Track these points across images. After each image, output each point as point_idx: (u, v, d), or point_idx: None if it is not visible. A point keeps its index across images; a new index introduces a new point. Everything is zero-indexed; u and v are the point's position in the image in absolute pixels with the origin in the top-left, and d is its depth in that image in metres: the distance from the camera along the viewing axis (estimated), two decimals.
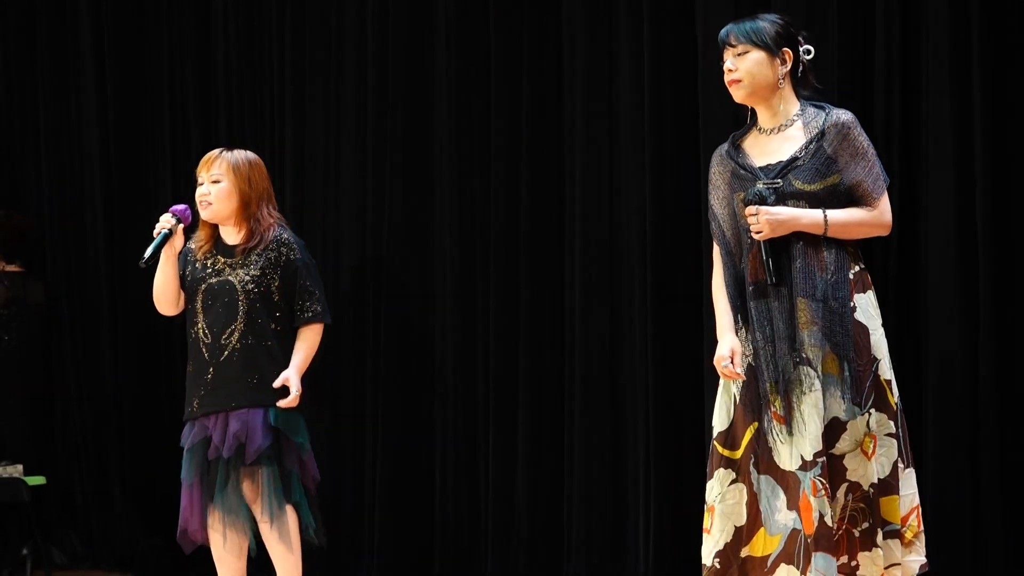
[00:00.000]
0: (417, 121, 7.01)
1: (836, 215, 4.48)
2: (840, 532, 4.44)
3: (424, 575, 6.95)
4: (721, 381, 4.67)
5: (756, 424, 4.56)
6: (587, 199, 6.56)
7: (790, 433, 4.47)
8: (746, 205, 4.52)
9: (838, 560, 4.43)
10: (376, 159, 7.10)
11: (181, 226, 5.71)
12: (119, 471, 7.73)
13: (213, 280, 5.71)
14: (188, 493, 5.78)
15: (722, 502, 4.59)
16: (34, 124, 7.94)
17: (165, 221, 5.68)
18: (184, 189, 7.50)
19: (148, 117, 7.71)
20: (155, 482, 7.56)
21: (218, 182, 5.71)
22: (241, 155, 5.79)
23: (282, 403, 5.62)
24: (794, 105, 4.60)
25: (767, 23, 4.58)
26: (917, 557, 4.53)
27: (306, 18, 7.28)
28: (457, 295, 6.89)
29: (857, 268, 4.53)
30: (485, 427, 6.83)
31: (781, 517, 4.52)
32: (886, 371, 4.47)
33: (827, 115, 4.54)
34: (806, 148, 4.51)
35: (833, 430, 4.44)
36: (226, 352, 5.68)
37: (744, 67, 4.55)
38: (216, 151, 5.82)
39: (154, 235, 5.66)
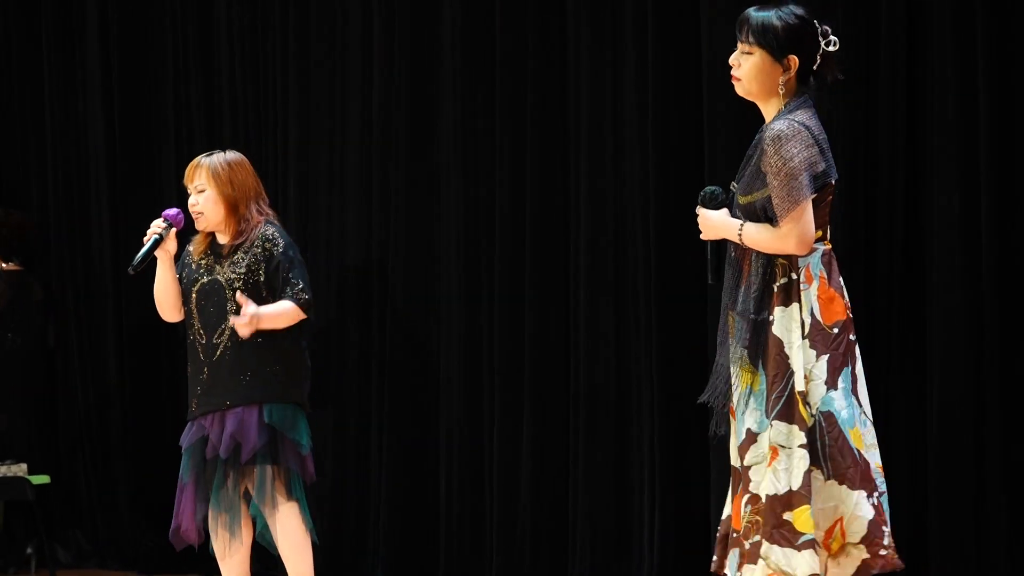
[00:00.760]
0: (422, 125, 7.01)
1: (749, 229, 4.40)
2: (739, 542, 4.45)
3: None
4: None
5: None
6: (592, 202, 6.56)
7: (734, 432, 4.52)
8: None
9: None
10: (381, 162, 7.10)
11: (173, 230, 5.70)
12: (124, 469, 7.74)
13: (204, 280, 5.72)
14: (182, 492, 5.78)
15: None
16: (39, 122, 7.94)
17: (156, 227, 5.68)
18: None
19: (153, 117, 7.71)
20: (160, 480, 7.55)
21: (203, 191, 5.73)
22: (220, 159, 5.77)
23: (236, 321, 5.55)
24: (786, 107, 4.45)
25: (780, 23, 4.41)
26: (841, 572, 4.41)
27: (311, 21, 7.28)
28: (462, 297, 6.89)
29: (784, 281, 4.40)
30: (490, 428, 6.83)
31: (726, 505, 4.59)
32: (800, 384, 4.34)
33: (771, 124, 4.41)
34: (750, 158, 4.46)
35: (746, 441, 4.43)
36: (218, 351, 5.68)
37: (746, 67, 4.46)
38: (197, 159, 5.81)
39: (144, 241, 5.66)
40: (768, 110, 4.51)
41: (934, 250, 5.82)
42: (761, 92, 4.48)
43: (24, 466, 7.53)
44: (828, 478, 4.36)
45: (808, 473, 4.32)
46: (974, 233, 5.74)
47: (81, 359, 7.82)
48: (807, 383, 4.35)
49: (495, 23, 6.80)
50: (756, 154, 4.41)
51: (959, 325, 5.77)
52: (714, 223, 4.48)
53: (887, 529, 4.39)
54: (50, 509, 7.73)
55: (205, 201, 5.71)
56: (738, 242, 4.42)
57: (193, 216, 5.73)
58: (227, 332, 5.68)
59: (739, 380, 4.43)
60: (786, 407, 4.35)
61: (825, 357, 4.37)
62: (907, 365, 5.93)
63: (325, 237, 7.22)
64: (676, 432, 6.33)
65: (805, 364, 4.35)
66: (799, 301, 4.38)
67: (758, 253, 4.40)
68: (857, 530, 4.37)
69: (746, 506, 4.42)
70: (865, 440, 4.42)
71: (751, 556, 4.38)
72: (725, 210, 4.48)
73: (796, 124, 4.34)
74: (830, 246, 4.45)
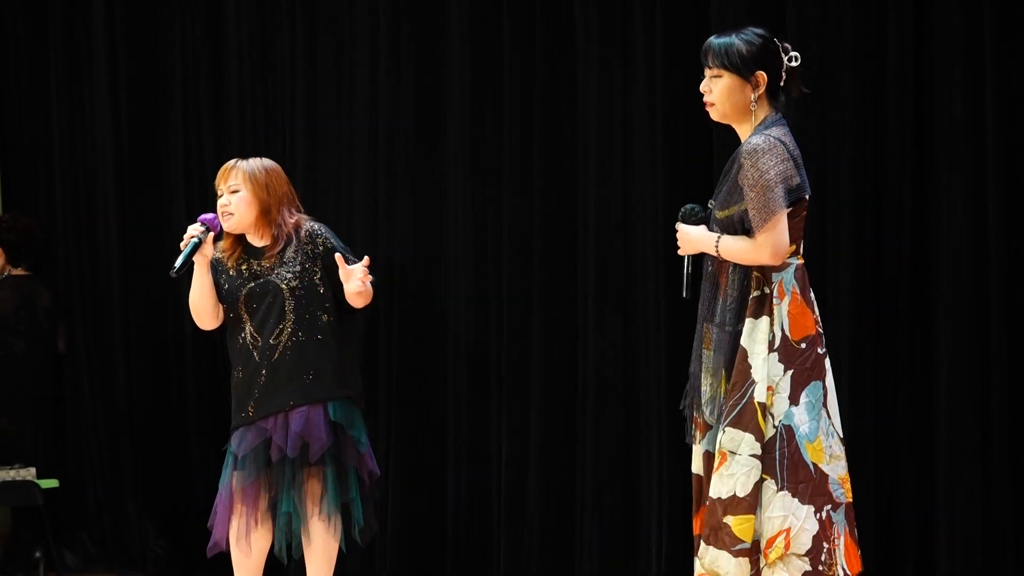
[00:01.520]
0: (430, 129, 7.02)
1: (726, 241, 4.49)
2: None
3: None
4: None
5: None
6: (600, 207, 6.58)
7: (700, 443, 4.60)
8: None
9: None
10: (388, 167, 7.11)
11: (211, 235, 5.67)
12: (132, 474, 7.74)
13: (252, 284, 5.69)
14: (228, 499, 5.69)
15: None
16: (47, 127, 7.95)
17: (194, 230, 5.64)
18: (197, 194, 7.53)
19: (161, 122, 7.71)
20: (167, 485, 7.59)
21: (236, 192, 5.69)
22: (257, 163, 5.77)
23: (360, 282, 5.51)
24: (760, 124, 4.57)
25: (743, 43, 4.56)
26: None
27: (319, 27, 7.29)
28: (470, 301, 6.90)
29: (757, 293, 4.48)
30: (498, 432, 6.84)
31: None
32: (761, 395, 4.42)
33: (748, 140, 4.52)
34: (727, 174, 4.55)
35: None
36: (278, 352, 5.64)
37: (717, 90, 4.59)
38: (232, 161, 5.79)
39: (181, 246, 5.62)
40: (743, 130, 4.62)
41: (941, 254, 5.84)
42: (735, 112, 4.58)
43: (32, 470, 7.53)
44: (781, 488, 4.43)
45: (759, 483, 4.41)
46: (981, 237, 5.76)
47: (89, 363, 7.82)
48: (771, 395, 4.43)
49: (503, 27, 6.81)
50: (733, 169, 4.50)
51: (966, 328, 5.78)
52: (692, 237, 4.58)
53: (828, 546, 4.46)
54: (58, 513, 7.73)
55: (238, 202, 5.69)
56: (715, 254, 4.52)
57: (221, 216, 5.69)
58: (286, 332, 5.66)
59: (716, 390, 4.51)
60: (740, 415, 4.43)
61: (791, 372, 4.45)
62: (916, 367, 5.93)
63: None
64: (684, 436, 6.33)
65: (772, 377, 4.43)
66: (770, 315, 4.47)
67: (735, 266, 4.50)
68: (804, 542, 4.43)
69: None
70: (828, 453, 4.48)
71: (696, 553, 4.51)
72: (703, 226, 4.59)
73: (772, 139, 4.46)
74: (803, 261, 4.53)
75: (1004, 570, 5.74)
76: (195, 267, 5.67)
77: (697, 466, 4.60)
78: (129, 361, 7.75)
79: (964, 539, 5.80)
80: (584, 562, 6.63)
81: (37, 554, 7.63)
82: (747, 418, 4.41)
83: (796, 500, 4.43)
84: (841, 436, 4.49)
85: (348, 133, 7.24)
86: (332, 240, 5.72)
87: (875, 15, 5.96)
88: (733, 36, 4.59)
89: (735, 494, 4.41)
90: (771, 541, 4.42)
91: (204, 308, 5.75)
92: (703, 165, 6.30)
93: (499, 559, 6.82)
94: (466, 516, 6.91)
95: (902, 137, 5.91)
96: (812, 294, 4.52)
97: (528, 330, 6.76)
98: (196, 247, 5.61)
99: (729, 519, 4.41)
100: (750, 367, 4.43)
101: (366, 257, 5.56)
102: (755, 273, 4.48)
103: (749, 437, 4.41)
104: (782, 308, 4.46)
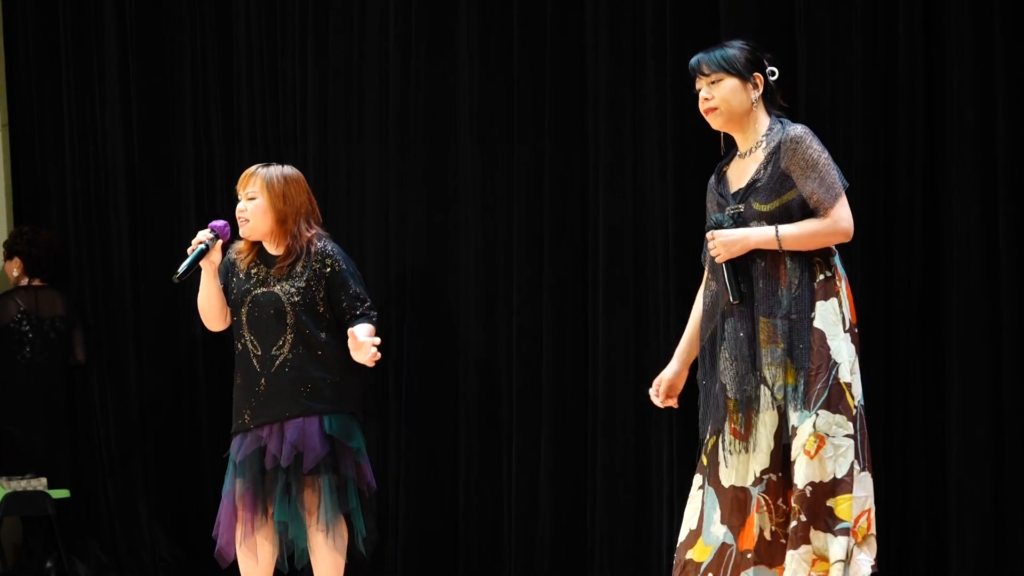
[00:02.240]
0: (440, 132, 7.03)
1: (788, 229, 4.54)
2: (779, 540, 4.53)
3: None
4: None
5: (716, 437, 4.69)
6: (609, 214, 6.57)
7: (746, 450, 4.60)
8: (705, 231, 4.68)
9: (779, 572, 4.54)
10: (399, 171, 7.12)
11: (219, 242, 5.67)
12: (143, 483, 7.74)
13: (258, 291, 5.69)
14: (231, 505, 5.71)
15: (689, 503, 4.76)
16: (58, 137, 7.97)
17: (203, 236, 5.66)
18: (208, 203, 7.55)
19: (172, 129, 7.74)
20: (180, 493, 7.59)
21: (254, 199, 5.69)
22: (277, 171, 5.76)
23: (370, 357, 5.53)
24: (764, 126, 4.69)
25: (736, 50, 4.68)
26: (867, 557, 4.54)
27: (329, 35, 7.31)
28: (480, 305, 6.90)
29: (822, 277, 4.57)
30: (508, 440, 6.83)
31: (715, 529, 4.65)
32: (846, 375, 4.51)
33: (783, 131, 4.62)
34: (764, 168, 4.61)
35: (793, 440, 4.53)
36: (277, 363, 5.65)
37: (719, 95, 4.66)
38: (253, 168, 5.79)
39: (188, 251, 5.63)
40: (744, 138, 4.71)
41: (953, 261, 5.83)
42: (739, 114, 4.67)
43: (44, 480, 7.54)
44: (863, 469, 4.52)
45: (852, 464, 4.47)
46: (992, 245, 5.74)
47: (100, 373, 7.83)
48: (851, 375, 4.52)
49: (513, 34, 6.82)
50: (774, 160, 4.58)
51: (977, 335, 5.77)
52: (738, 238, 4.59)
53: None
54: (69, 523, 7.74)
55: (254, 209, 5.69)
56: (775, 247, 4.54)
57: (239, 222, 5.70)
58: (287, 345, 5.66)
59: (783, 381, 4.53)
60: (831, 397, 4.49)
61: (857, 354, 4.57)
62: (927, 374, 5.92)
63: (343, 249, 7.22)
64: (695, 441, 6.31)
65: (848, 357, 4.53)
66: (837, 296, 4.56)
67: (793, 255, 4.54)
68: (874, 521, 4.54)
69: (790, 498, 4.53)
70: None
71: (793, 542, 4.49)
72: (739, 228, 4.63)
73: (805, 127, 4.61)
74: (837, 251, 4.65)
75: (1016, 570, 5.72)
76: (202, 272, 5.67)
77: (740, 478, 4.60)
78: (141, 370, 7.77)
79: (976, 547, 5.78)
80: (596, 571, 6.61)
81: (48, 564, 7.64)
82: (835, 399, 4.49)
83: (871, 479, 4.54)
84: None
85: (359, 141, 7.24)
86: (342, 263, 5.71)
87: (885, 21, 5.95)
88: (723, 47, 4.72)
89: (835, 475, 4.47)
90: (856, 520, 4.50)
91: (212, 311, 5.77)
92: (713, 165, 6.28)
93: (510, 566, 6.80)
94: (477, 526, 6.90)
95: (913, 143, 5.90)
96: None
97: (539, 337, 6.75)
98: (203, 253, 5.62)
99: (831, 502, 4.47)
100: (830, 348, 4.51)
101: (378, 339, 5.56)
102: (816, 259, 4.56)
103: (840, 418, 4.49)
104: (843, 291, 4.59)
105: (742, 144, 4.73)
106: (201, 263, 5.64)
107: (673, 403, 4.92)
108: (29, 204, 8.06)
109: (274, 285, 5.67)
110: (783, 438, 4.54)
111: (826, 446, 4.47)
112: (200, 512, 7.37)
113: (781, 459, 4.53)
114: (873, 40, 5.99)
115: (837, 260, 4.61)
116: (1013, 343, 5.73)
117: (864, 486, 4.51)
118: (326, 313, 5.68)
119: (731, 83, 4.65)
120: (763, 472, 4.55)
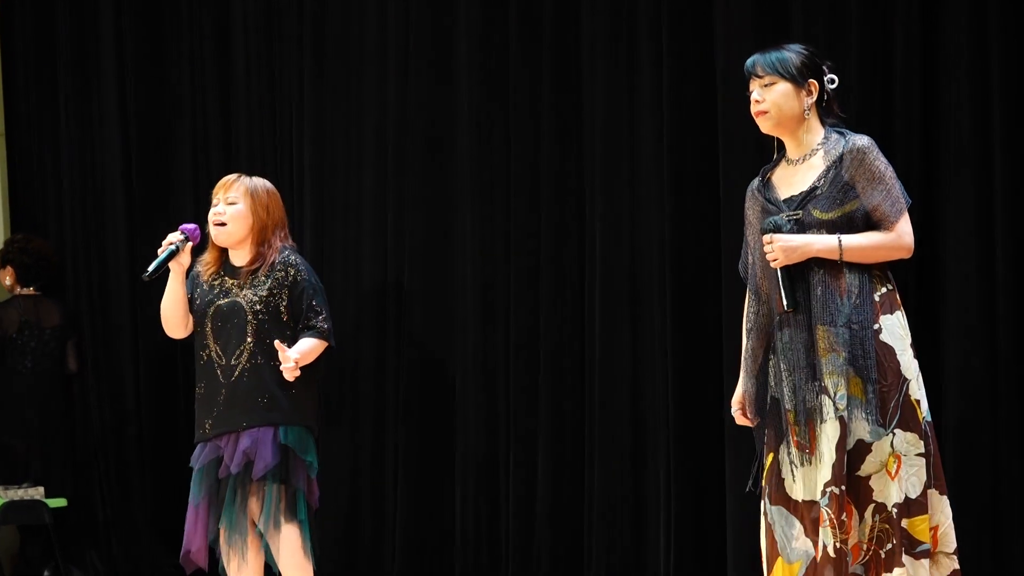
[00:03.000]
0: (438, 145, 7.04)
1: (851, 240, 4.48)
2: (870, 554, 4.44)
3: None
4: None
5: (774, 454, 4.58)
6: (607, 223, 6.59)
7: (809, 462, 4.49)
8: (763, 234, 4.56)
9: None
10: (397, 184, 7.13)
11: (190, 244, 5.66)
12: (140, 492, 7.75)
13: (221, 302, 5.69)
14: (194, 513, 5.73)
15: (762, 538, 4.66)
16: (56, 149, 7.98)
17: (173, 237, 5.65)
18: (205, 211, 7.52)
19: (169, 139, 7.75)
20: (176, 503, 7.56)
21: (235, 204, 5.69)
22: (260, 182, 5.78)
23: (284, 368, 5.55)
24: (818, 134, 4.61)
25: (793, 54, 4.59)
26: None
27: (327, 42, 7.32)
28: (477, 318, 6.91)
29: (884, 290, 4.50)
30: (506, 447, 6.85)
31: (799, 544, 4.53)
32: (916, 391, 4.44)
33: (846, 141, 4.54)
34: (825, 176, 4.52)
35: (859, 452, 4.43)
36: (236, 372, 5.66)
37: (771, 98, 4.56)
38: (235, 175, 5.80)
39: (159, 252, 5.63)
40: (794, 141, 4.60)
41: (948, 265, 5.85)
42: (789, 119, 4.57)
43: (41, 489, 7.55)
44: (930, 487, 4.45)
45: (926, 483, 4.41)
46: (988, 249, 5.77)
47: (97, 382, 7.84)
48: (919, 391, 4.46)
49: (510, 47, 6.83)
50: (836, 169, 4.50)
51: (975, 339, 5.79)
52: (797, 244, 4.50)
53: None
54: (67, 532, 7.74)
55: (235, 213, 5.68)
56: (836, 257, 4.46)
57: (212, 226, 5.68)
58: (245, 354, 5.68)
59: (846, 391, 4.43)
60: (904, 415, 4.43)
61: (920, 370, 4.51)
62: (924, 378, 5.93)
63: (341, 259, 7.25)
64: (693, 452, 6.35)
65: (916, 373, 4.47)
66: (901, 309, 4.52)
67: (852, 267, 4.47)
68: (952, 540, 4.49)
69: (873, 516, 4.43)
70: None
71: (887, 565, 4.41)
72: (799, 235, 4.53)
73: (870, 139, 4.54)
74: None
75: (1012, 564, 5.75)
76: (170, 274, 5.67)
77: (810, 492, 4.48)
78: (138, 380, 7.77)
79: (974, 534, 5.79)
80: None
81: (46, 573, 7.65)
82: (908, 416, 4.42)
83: (945, 498, 4.48)
84: None
85: (357, 153, 7.26)
86: (304, 273, 5.70)
87: (881, 26, 5.97)
88: (781, 49, 4.61)
89: (907, 495, 4.41)
90: (932, 540, 4.44)
91: (174, 316, 5.76)
92: (710, 180, 6.31)
93: (507, 574, 6.82)
94: (474, 534, 6.92)
95: (909, 146, 5.92)
96: None
97: (536, 347, 6.77)
98: (173, 254, 5.61)
99: (905, 522, 4.40)
100: (899, 364, 4.44)
101: (306, 357, 5.56)
102: (875, 271, 4.49)
103: (912, 436, 4.42)
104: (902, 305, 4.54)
105: (793, 150, 4.63)
106: (170, 265, 5.65)
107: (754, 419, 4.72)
108: (26, 214, 8.07)
109: (237, 294, 5.68)
110: (845, 448, 4.43)
111: (903, 466, 4.40)
112: None
113: (843, 472, 4.42)
114: (870, 46, 6.01)
115: (891, 274, 4.55)
116: (1008, 349, 5.75)
117: (932, 504, 4.44)
118: (289, 322, 5.68)
119: (784, 87, 4.56)
120: (826, 485, 4.43)
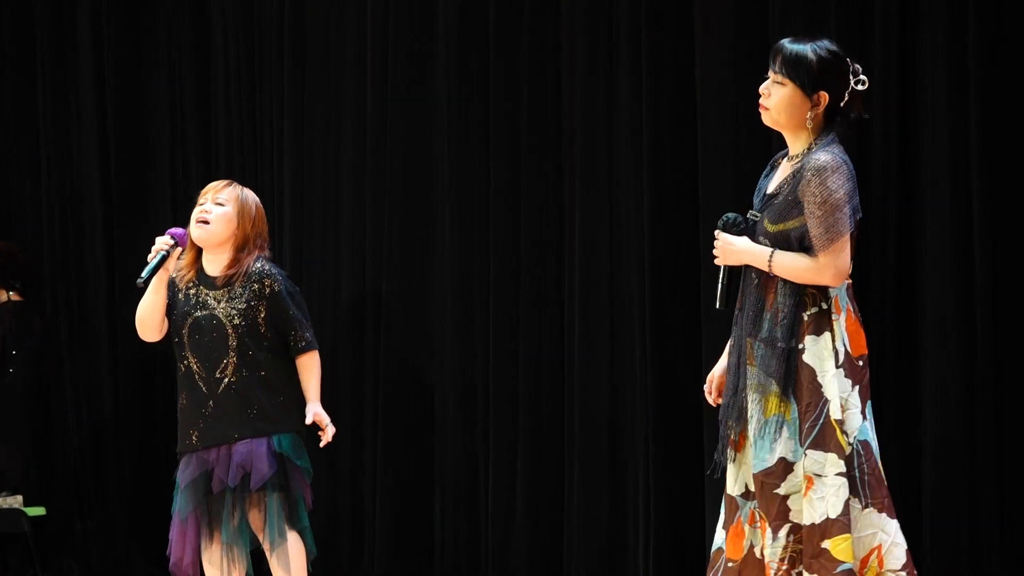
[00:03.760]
0: (416, 152, 7.04)
1: (781, 257, 4.41)
2: (780, 573, 4.42)
3: None
4: None
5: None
6: (585, 232, 6.59)
7: (734, 460, 4.53)
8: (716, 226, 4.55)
9: None
10: (375, 190, 7.13)
11: (178, 249, 5.68)
12: (119, 501, 7.74)
13: (199, 314, 5.68)
14: (182, 527, 5.73)
15: None
16: (34, 152, 7.97)
17: (163, 243, 5.65)
18: (183, 218, 7.53)
19: (148, 146, 7.74)
20: (155, 511, 7.56)
21: (222, 206, 5.70)
22: (250, 194, 5.80)
23: (325, 439, 5.72)
24: (817, 141, 4.50)
25: (815, 56, 4.44)
26: None
27: (306, 48, 7.32)
28: (456, 324, 6.91)
29: (814, 310, 4.41)
30: (484, 455, 6.85)
31: (716, 535, 4.61)
32: (836, 412, 4.37)
33: (811, 156, 4.43)
34: (788, 185, 4.46)
35: (781, 470, 4.42)
36: (223, 385, 5.66)
37: (775, 98, 4.48)
38: (227, 181, 5.82)
39: (149, 258, 5.62)
40: (795, 140, 4.53)
41: (925, 274, 5.86)
42: (789, 124, 4.50)
43: (20, 498, 7.53)
44: (866, 506, 4.39)
45: (847, 502, 4.34)
46: (967, 258, 5.77)
47: (75, 390, 7.82)
48: (843, 412, 4.38)
49: (489, 50, 6.83)
50: (793, 183, 4.42)
51: (952, 347, 5.80)
52: (738, 248, 4.48)
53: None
54: (45, 540, 7.72)
55: (221, 215, 5.68)
56: (765, 269, 4.43)
57: (195, 223, 5.68)
58: (230, 367, 5.67)
59: (761, 407, 4.43)
60: (820, 436, 4.36)
61: (857, 388, 4.41)
62: (903, 385, 5.94)
63: (319, 266, 7.24)
64: (671, 459, 6.35)
65: (840, 393, 4.38)
66: (831, 331, 4.41)
67: (785, 281, 4.41)
68: (898, 557, 4.42)
69: (788, 536, 4.42)
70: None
71: None
72: (746, 237, 4.50)
73: (839, 158, 4.38)
74: (851, 280, 4.49)
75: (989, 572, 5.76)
76: (154, 279, 5.67)
77: (732, 486, 4.53)
78: (116, 388, 7.76)
79: (951, 538, 5.80)
80: None
81: None
82: (827, 437, 4.35)
83: (884, 515, 4.40)
84: None
85: (335, 159, 7.26)
86: (281, 283, 5.71)
87: (860, 37, 5.98)
88: (808, 45, 4.46)
89: (827, 516, 4.34)
90: (864, 561, 4.39)
91: (152, 321, 5.75)
92: (689, 186, 6.31)
93: None
94: (453, 542, 6.92)
95: (887, 156, 5.93)
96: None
97: (515, 356, 6.77)
98: (164, 259, 5.62)
99: (826, 543, 4.34)
100: (821, 385, 4.37)
101: (331, 429, 5.72)
102: (810, 289, 4.40)
103: (832, 456, 4.35)
104: (841, 324, 4.41)
105: (791, 147, 4.55)
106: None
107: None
108: (3, 221, 8.04)
109: (215, 307, 5.67)
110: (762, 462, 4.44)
111: (815, 486, 4.34)
112: None
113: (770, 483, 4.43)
114: (848, 48, 6.02)
115: (840, 292, 4.43)
116: (986, 357, 5.76)
117: (870, 523, 4.38)
118: (267, 333, 5.69)
119: (790, 93, 4.45)
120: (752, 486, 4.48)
